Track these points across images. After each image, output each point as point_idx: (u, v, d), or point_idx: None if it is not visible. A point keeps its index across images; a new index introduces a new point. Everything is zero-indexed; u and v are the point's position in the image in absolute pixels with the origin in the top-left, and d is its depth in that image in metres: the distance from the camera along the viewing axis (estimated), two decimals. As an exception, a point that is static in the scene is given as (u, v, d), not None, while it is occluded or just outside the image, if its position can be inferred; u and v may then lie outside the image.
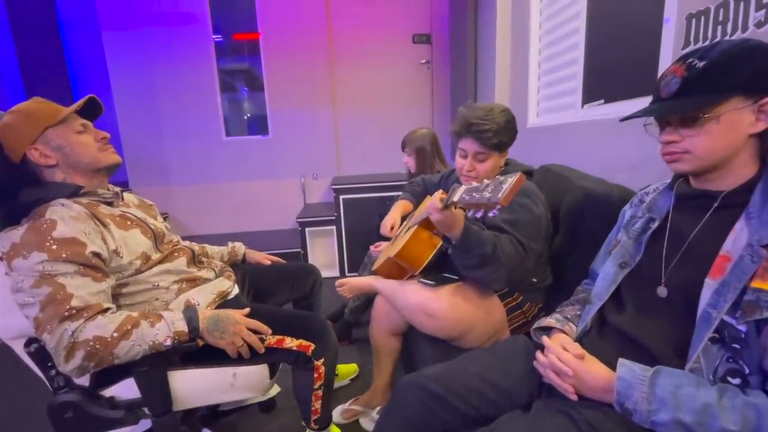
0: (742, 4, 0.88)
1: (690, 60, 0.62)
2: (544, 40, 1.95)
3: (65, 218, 0.85)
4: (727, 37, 0.92)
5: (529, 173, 1.28)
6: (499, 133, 1.10)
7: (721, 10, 0.93)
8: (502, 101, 2.32)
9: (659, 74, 0.69)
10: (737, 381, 0.57)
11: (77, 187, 0.95)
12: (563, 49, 1.78)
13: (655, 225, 0.74)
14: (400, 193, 1.71)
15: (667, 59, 1.13)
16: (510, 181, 0.74)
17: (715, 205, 0.64)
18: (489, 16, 2.37)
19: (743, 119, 0.60)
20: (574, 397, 0.69)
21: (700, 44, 1.00)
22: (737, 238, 0.60)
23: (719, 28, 0.94)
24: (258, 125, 3.33)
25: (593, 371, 0.67)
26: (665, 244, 0.70)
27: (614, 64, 1.48)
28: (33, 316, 0.80)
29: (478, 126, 1.09)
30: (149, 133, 3.11)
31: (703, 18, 0.98)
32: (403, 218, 1.58)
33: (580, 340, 0.79)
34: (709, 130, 0.61)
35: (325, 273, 2.42)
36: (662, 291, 0.68)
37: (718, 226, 0.63)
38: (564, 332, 0.80)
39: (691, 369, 0.60)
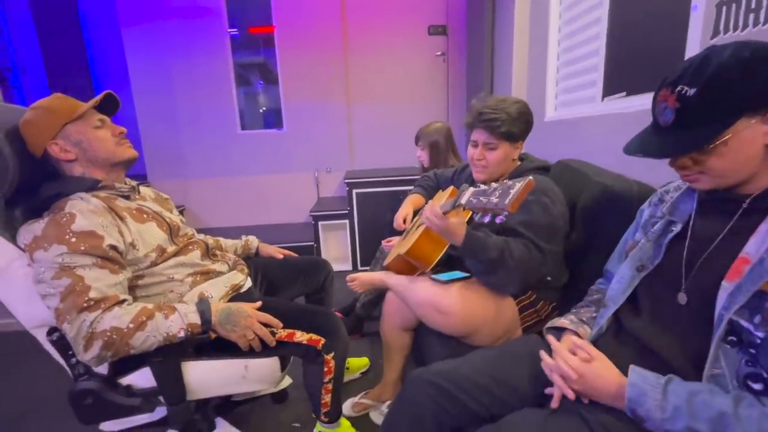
0: (777, -10, 0.83)
1: (679, 88, 0.57)
2: (564, 30, 1.89)
3: (84, 212, 0.88)
4: (759, 27, 0.87)
5: (545, 168, 1.25)
6: (509, 123, 1.09)
7: (754, -3, 0.87)
8: (519, 94, 2.27)
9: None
10: (759, 386, 0.54)
11: (95, 181, 0.97)
12: (584, 40, 1.72)
13: (676, 229, 0.70)
14: (412, 187, 1.69)
15: (694, 49, 1.07)
16: (518, 186, 0.72)
17: (743, 207, 0.61)
18: (507, 5, 2.31)
19: (755, 133, 0.56)
20: (572, 397, 0.67)
21: (730, 34, 0.95)
22: (761, 241, 0.57)
23: (751, 16, 0.88)
24: (273, 119, 3.36)
25: (603, 375, 0.65)
26: (686, 248, 0.67)
27: (638, 55, 1.42)
28: (54, 306, 0.83)
29: (487, 115, 1.09)
30: (167, 126, 3.17)
31: (734, 5, 0.93)
32: (416, 212, 1.57)
33: (594, 342, 0.77)
34: (720, 153, 0.58)
35: (337, 267, 2.43)
36: (682, 298, 0.65)
37: (744, 230, 0.60)
38: (577, 334, 0.78)
39: (712, 375, 0.58)
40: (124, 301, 0.88)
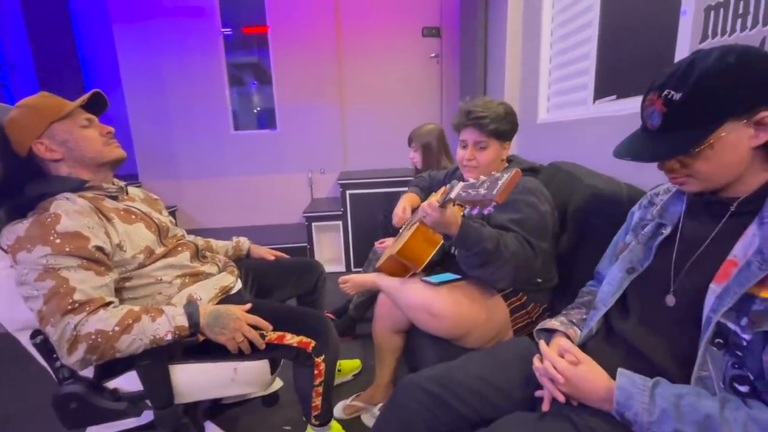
0: (764, -5, 0.84)
1: (666, 92, 0.58)
2: (556, 33, 1.90)
3: (69, 212, 0.86)
4: (747, 31, 0.88)
5: (534, 170, 1.25)
6: (497, 121, 1.12)
7: (741, 3, 0.88)
8: (512, 96, 2.28)
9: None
10: (745, 388, 0.55)
11: (82, 181, 0.95)
12: (575, 43, 1.73)
13: (666, 231, 0.71)
14: (407, 187, 1.69)
15: (683, 53, 1.08)
16: (505, 177, 0.73)
17: (731, 211, 0.62)
18: (500, 8, 2.32)
19: (740, 137, 0.57)
20: (562, 399, 0.67)
21: (718, 38, 0.96)
22: (748, 244, 0.57)
23: (739, 21, 0.90)
24: (267, 119, 3.34)
25: (591, 379, 0.65)
26: (675, 251, 0.68)
27: (628, 58, 1.43)
28: (37, 309, 0.81)
29: (476, 113, 1.12)
30: (159, 126, 3.15)
31: (722, 10, 0.94)
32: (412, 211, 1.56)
33: (584, 344, 0.77)
34: (707, 156, 0.58)
35: (330, 268, 2.41)
36: (670, 300, 0.65)
37: (732, 232, 0.60)
38: (567, 336, 0.78)
39: (699, 377, 0.58)
40: (110, 303, 0.86)
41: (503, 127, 1.13)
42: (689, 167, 0.61)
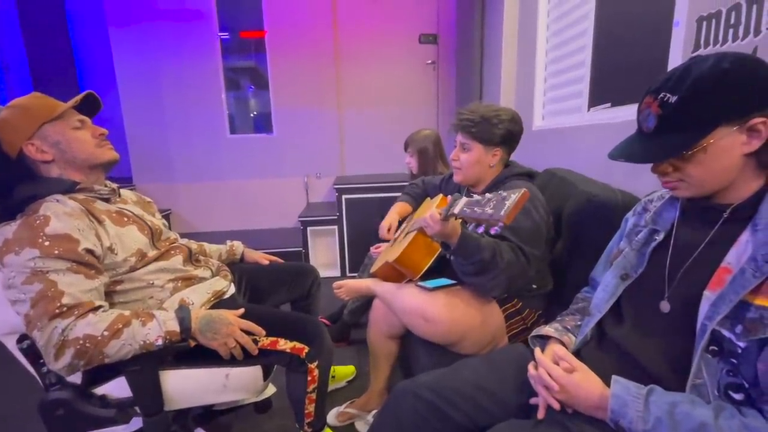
0: (754, 6, 0.85)
1: (662, 95, 0.59)
2: (552, 41, 1.92)
3: (59, 214, 0.85)
4: (738, 42, 0.89)
5: (530, 175, 1.26)
6: (482, 125, 1.12)
7: (733, 13, 0.90)
8: (508, 103, 2.30)
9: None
10: (739, 396, 0.55)
11: (73, 183, 0.94)
12: (570, 51, 1.75)
13: (659, 237, 0.71)
14: (399, 195, 1.69)
15: (676, 62, 1.10)
16: (513, 197, 0.72)
17: (724, 217, 0.62)
18: (496, 16, 2.34)
19: (733, 143, 0.57)
20: (557, 407, 0.67)
21: (710, 48, 0.97)
22: (741, 251, 0.57)
23: (731, 31, 0.91)
24: (264, 123, 3.34)
25: (585, 387, 0.65)
26: (669, 257, 0.68)
27: (622, 67, 1.45)
28: (24, 312, 0.79)
29: (462, 115, 1.15)
30: (154, 129, 3.13)
31: (714, 21, 0.95)
32: (401, 220, 1.56)
33: (578, 351, 0.77)
34: (699, 161, 0.59)
35: (325, 273, 2.40)
36: (665, 306, 0.65)
37: (725, 239, 0.60)
38: (562, 342, 0.78)
39: (694, 385, 0.58)
40: (99, 307, 0.85)
41: (488, 131, 1.12)
42: (681, 171, 0.61)
